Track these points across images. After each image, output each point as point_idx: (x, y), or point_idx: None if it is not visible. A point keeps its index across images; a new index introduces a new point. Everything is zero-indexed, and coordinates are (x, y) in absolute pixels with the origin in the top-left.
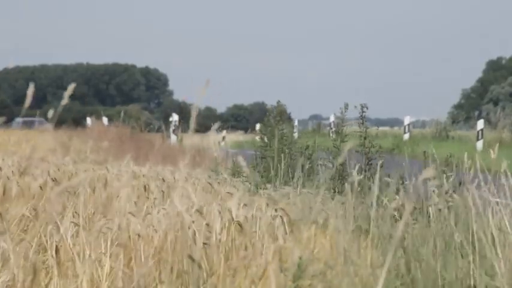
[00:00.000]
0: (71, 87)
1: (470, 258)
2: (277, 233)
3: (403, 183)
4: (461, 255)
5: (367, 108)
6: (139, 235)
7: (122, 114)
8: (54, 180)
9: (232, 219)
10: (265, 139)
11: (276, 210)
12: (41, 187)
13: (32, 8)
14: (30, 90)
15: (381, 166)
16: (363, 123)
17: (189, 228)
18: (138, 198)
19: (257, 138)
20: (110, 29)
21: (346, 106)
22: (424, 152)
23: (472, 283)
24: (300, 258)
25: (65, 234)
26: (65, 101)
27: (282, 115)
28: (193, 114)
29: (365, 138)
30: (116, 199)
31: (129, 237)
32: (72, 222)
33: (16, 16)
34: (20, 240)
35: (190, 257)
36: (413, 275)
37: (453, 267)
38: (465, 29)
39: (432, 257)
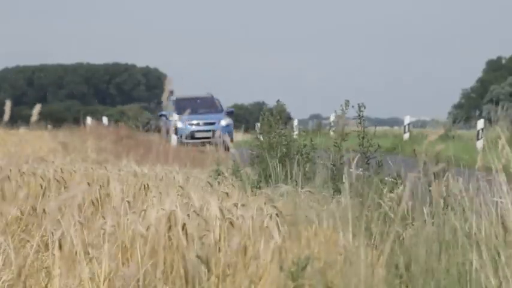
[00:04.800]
0: (38, 107)
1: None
2: (273, 232)
3: (399, 181)
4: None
5: (364, 107)
6: (137, 234)
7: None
8: (54, 179)
9: (224, 217)
10: (262, 138)
11: (271, 208)
12: (41, 186)
13: (32, 8)
14: (8, 107)
15: (379, 165)
16: (360, 123)
17: (183, 227)
18: (137, 197)
19: (256, 137)
20: (110, 29)
21: (347, 103)
22: (414, 149)
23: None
24: (300, 257)
25: (66, 233)
26: (34, 118)
27: (281, 114)
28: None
29: (363, 137)
30: (115, 198)
31: (128, 236)
32: (73, 221)
33: (16, 16)
34: (20, 239)
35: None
36: (412, 274)
37: (453, 265)
38: (465, 29)
39: (431, 255)
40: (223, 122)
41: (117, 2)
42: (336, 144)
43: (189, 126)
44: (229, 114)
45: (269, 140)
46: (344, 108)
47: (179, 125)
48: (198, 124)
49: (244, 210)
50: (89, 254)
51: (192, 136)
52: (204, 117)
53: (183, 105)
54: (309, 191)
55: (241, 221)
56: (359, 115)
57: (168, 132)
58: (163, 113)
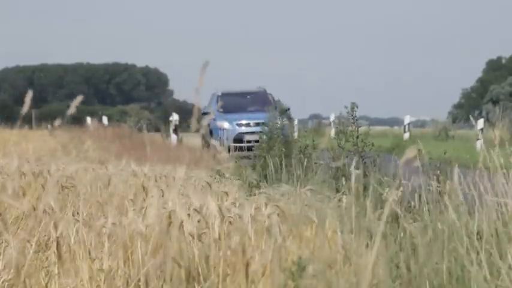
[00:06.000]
0: (30, 94)
1: (474, 257)
2: (274, 232)
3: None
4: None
5: (357, 107)
6: (137, 233)
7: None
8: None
9: (223, 216)
10: (264, 138)
11: (272, 208)
12: (42, 186)
13: (32, 8)
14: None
15: (374, 165)
16: (354, 123)
17: (181, 226)
18: (137, 197)
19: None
20: (110, 29)
21: (354, 105)
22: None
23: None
24: (300, 257)
25: (66, 232)
26: (25, 107)
27: (283, 114)
28: (195, 113)
29: (357, 137)
30: (115, 198)
31: (128, 235)
32: (74, 219)
33: (16, 16)
34: (20, 239)
35: (175, 260)
36: (413, 274)
37: (454, 266)
38: (465, 29)
39: (430, 255)
40: None
41: (117, 2)
42: (340, 145)
43: (237, 127)
44: None
45: (269, 141)
46: (350, 110)
47: (226, 125)
48: (248, 125)
49: (243, 209)
50: (89, 253)
51: (239, 139)
52: (255, 116)
53: (229, 102)
54: (310, 191)
55: (240, 220)
56: (352, 115)
57: (211, 136)
58: (207, 111)
